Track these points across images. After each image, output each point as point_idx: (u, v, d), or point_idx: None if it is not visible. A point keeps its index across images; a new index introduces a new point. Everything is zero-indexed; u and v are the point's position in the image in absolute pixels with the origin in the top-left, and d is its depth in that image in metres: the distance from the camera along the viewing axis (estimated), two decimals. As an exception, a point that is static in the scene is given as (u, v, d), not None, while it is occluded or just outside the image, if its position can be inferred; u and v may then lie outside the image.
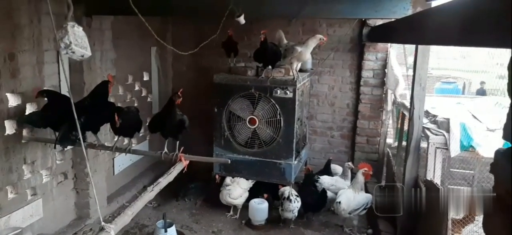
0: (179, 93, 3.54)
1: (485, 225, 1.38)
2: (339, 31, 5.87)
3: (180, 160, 3.68)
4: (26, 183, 3.85)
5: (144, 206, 5.18)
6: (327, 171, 5.64)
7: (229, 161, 3.99)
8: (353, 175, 5.16)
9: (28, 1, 3.65)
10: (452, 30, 2.06)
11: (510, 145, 1.26)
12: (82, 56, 1.83)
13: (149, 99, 6.07)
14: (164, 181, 3.39)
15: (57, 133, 3.75)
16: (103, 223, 2.62)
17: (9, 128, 3.61)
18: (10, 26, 3.45)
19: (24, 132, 3.77)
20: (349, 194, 4.80)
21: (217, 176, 5.22)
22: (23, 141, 3.75)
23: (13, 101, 3.63)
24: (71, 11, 1.83)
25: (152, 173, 5.94)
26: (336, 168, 5.73)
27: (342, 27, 5.82)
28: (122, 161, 5.50)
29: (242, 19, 4.00)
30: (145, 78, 5.96)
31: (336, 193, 4.97)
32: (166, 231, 4.34)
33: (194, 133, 5.76)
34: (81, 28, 1.82)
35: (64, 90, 4.24)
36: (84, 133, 3.87)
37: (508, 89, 1.29)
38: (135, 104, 5.65)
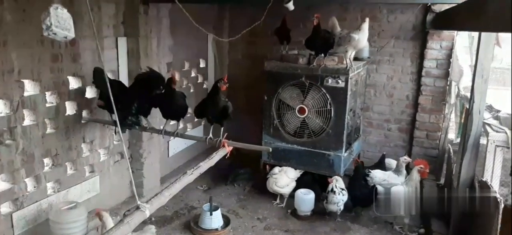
0: (224, 79, 3.59)
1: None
2: (401, 17, 5.53)
3: (223, 146, 3.75)
4: (85, 160, 4.18)
5: (195, 189, 5.48)
6: (380, 165, 5.40)
7: (270, 149, 4.00)
8: (409, 171, 4.88)
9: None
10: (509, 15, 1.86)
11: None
12: (65, 37, 1.91)
13: (205, 86, 6.23)
14: (204, 165, 3.47)
15: (112, 116, 4.03)
16: (138, 203, 2.75)
17: (70, 109, 3.93)
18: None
19: (84, 113, 4.09)
20: (400, 189, 4.55)
21: (267, 166, 5.22)
22: (82, 122, 4.06)
23: (74, 83, 3.94)
24: None
25: (205, 158, 6.06)
26: (391, 162, 5.46)
27: (405, 13, 5.47)
28: (177, 144, 5.74)
29: (291, 5, 3.90)
30: (202, 65, 6.13)
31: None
32: (211, 214, 4.48)
33: (248, 120, 5.88)
34: (65, 10, 1.90)
35: (122, 75, 4.52)
36: (137, 117, 4.13)
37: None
38: (191, 90, 5.85)
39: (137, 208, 2.70)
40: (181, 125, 5.59)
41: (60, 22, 1.79)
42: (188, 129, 5.95)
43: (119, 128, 2.75)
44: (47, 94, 3.68)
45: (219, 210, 4.53)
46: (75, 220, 3.59)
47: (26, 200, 3.57)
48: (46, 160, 3.75)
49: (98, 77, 3.87)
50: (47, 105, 3.69)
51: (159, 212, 4.67)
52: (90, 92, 4.15)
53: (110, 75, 4.18)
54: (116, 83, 3.99)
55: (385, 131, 5.95)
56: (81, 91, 4.04)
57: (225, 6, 6.38)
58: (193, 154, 6.17)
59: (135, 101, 3.92)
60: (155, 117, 4.41)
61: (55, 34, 1.79)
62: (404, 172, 5.06)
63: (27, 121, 3.52)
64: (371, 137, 6.02)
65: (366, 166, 5.25)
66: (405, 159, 5.12)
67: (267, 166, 5.20)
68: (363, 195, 4.80)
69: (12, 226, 3.47)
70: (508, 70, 9.33)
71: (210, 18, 6.06)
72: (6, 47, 3.22)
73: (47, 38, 3.44)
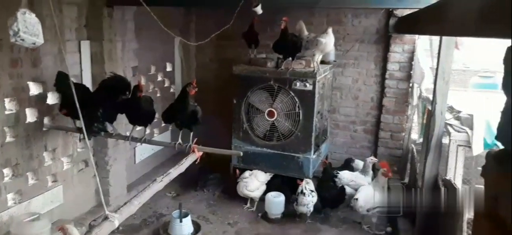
0: (193, 84, 3.54)
1: (474, 230, 1.28)
2: (365, 21, 5.69)
3: (193, 151, 3.70)
4: (47, 170, 4.01)
5: (164, 196, 5.37)
6: (348, 166, 5.52)
7: (241, 154, 3.98)
8: (377, 171, 5.01)
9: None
10: (470, 20, 1.93)
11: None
12: (34, 43, 1.83)
13: (172, 90, 6.14)
14: (174, 172, 3.42)
15: (76, 122, 3.89)
16: (107, 212, 2.67)
17: (31, 116, 3.75)
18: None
19: (45, 120, 3.91)
20: (369, 191, 4.67)
21: (237, 171, 5.19)
22: (44, 129, 3.89)
23: (35, 89, 3.77)
24: None
25: (173, 164, 5.93)
26: (358, 163, 5.58)
27: (369, 17, 5.62)
28: (144, 150, 5.61)
29: (259, 9, 3.93)
30: (168, 68, 6.03)
31: (356, 189, 4.87)
32: (181, 221, 4.40)
33: (217, 124, 5.82)
34: (33, 15, 1.81)
35: (85, 80, 4.37)
36: (103, 124, 4.00)
37: (502, 85, 1.19)
38: (158, 95, 5.74)
39: (106, 218, 2.62)
40: (148, 131, 5.49)
41: (28, 28, 1.70)
42: (155, 135, 5.83)
43: (85, 135, 2.64)
44: (6, 101, 3.50)
45: (189, 216, 4.46)
46: (38, 232, 3.41)
47: (-16, 213, 3.37)
48: (6, 171, 3.56)
49: (61, 81, 3.72)
50: (6, 112, 3.51)
51: (127, 221, 4.47)
52: (52, 98, 3.98)
53: (73, 80, 4.02)
54: (81, 88, 3.84)
55: (351, 133, 6.08)
56: (42, 97, 3.87)
57: (192, 9, 6.32)
58: (160, 160, 6.04)
59: (100, 107, 3.80)
60: (121, 122, 4.29)
61: (22, 40, 1.70)
62: (371, 172, 5.20)
63: (-16, 130, 3.33)
64: (338, 139, 6.14)
65: (334, 167, 5.34)
66: (371, 159, 5.27)
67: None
68: (332, 196, 4.89)
69: (-31, 241, 3.27)
70: (464, 72, 9.83)
71: (177, 21, 5.97)
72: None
73: (5, 42, 3.30)
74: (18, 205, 3.67)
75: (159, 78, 5.85)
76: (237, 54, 6.05)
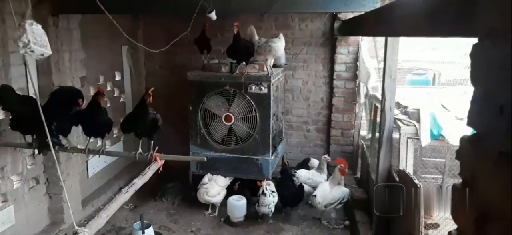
0: (149, 92, 3.49)
1: (453, 212, 1.42)
2: (311, 25, 5.92)
3: (155, 160, 3.64)
4: (-5, 190, 3.73)
5: (121, 208, 5.15)
6: (304, 165, 5.70)
7: (205, 159, 3.97)
8: (332, 168, 5.22)
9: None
10: (416, 21, 2.11)
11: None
12: (42, 54, 1.77)
13: (122, 99, 5.96)
14: (139, 182, 3.35)
15: (26, 138, 3.67)
16: (76, 227, 2.57)
17: (-25, 133, 3.48)
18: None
19: (-9, 137, 3.65)
20: (326, 188, 4.88)
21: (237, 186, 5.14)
22: (-10, 147, 3.62)
23: (-22, 105, 3.50)
24: (29, 9, 1.76)
25: (128, 175, 5.83)
26: (313, 162, 5.79)
27: (314, 21, 5.87)
28: (96, 163, 5.40)
29: (213, 15, 3.98)
30: (117, 77, 5.85)
31: (314, 187, 5.05)
32: (143, 232, 4.29)
33: (170, 132, 5.70)
34: (40, 26, 1.76)
35: (32, 92, 4.12)
36: (58, 137, 3.80)
37: (470, 77, 1.34)
38: (108, 105, 5.54)
39: (75, 233, 2.52)
40: (98, 143, 5.29)
41: (37, 39, 1.63)
42: (107, 146, 5.60)
43: (52, 150, 2.52)
44: None
45: (151, 227, 4.36)
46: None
47: None
48: (-50, 194, 3.27)
49: (6, 96, 3.49)
50: None
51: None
52: (-2, 113, 3.72)
53: (19, 93, 3.78)
54: (29, 101, 3.62)
55: (304, 133, 6.29)
56: (-14, 113, 3.60)
57: (138, 17, 6.18)
58: (114, 172, 5.84)
59: (53, 119, 3.61)
60: (72, 135, 4.09)
61: (32, 51, 1.62)
62: (326, 170, 5.42)
63: None
64: (292, 139, 6.32)
65: (291, 167, 5.49)
66: (325, 157, 5.50)
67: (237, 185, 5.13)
68: (291, 195, 5.02)
69: None
70: (400, 70, 10.50)
71: (123, 29, 5.79)
72: None
73: None
74: (-35, 231, 3.39)
75: (109, 88, 5.66)
76: (188, 60, 6.04)
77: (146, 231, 4.31)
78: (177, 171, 5.28)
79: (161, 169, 3.67)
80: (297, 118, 6.27)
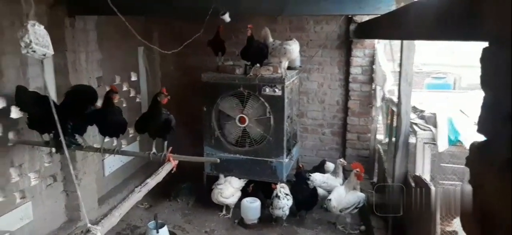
0: (163, 92, 3.52)
1: (462, 218, 1.38)
2: (327, 28, 5.88)
3: (169, 160, 3.67)
4: (14, 186, 3.83)
5: (136, 207, 5.25)
6: (319, 168, 5.65)
7: (218, 160, 3.97)
8: (348, 172, 5.16)
9: (8, 3, 3.61)
10: (430, 24, 2.07)
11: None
12: (44, 54, 1.81)
13: (138, 100, 6.04)
14: (152, 181, 3.37)
15: (42, 136, 3.75)
16: (89, 225, 2.60)
17: (-6, 131, 3.58)
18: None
19: (10, 135, 3.74)
20: (341, 192, 4.82)
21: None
22: (9, 144, 3.71)
23: (-4, 103, 3.61)
24: (32, 9, 1.80)
25: (143, 174, 5.88)
26: (329, 165, 5.73)
27: (329, 24, 5.82)
28: (113, 162, 5.48)
29: (227, 17, 3.98)
30: (133, 78, 5.93)
31: (329, 191, 5.00)
32: (157, 232, 4.33)
33: (184, 133, 5.79)
34: (42, 27, 1.80)
35: (50, 92, 4.21)
36: (74, 136, 3.87)
37: (480, 82, 1.30)
38: (124, 105, 5.62)
39: (88, 231, 2.55)
40: (115, 142, 5.37)
41: (39, 39, 1.67)
42: (123, 146, 5.69)
43: (64, 147, 2.56)
44: (-33, 116, 3.32)
45: (165, 227, 4.40)
46: (9, 252, 3.26)
47: None
48: (-30, 190, 3.37)
49: (21, 97, 3.58)
50: (-32, 128, 3.33)
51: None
52: (16, 112, 3.81)
53: (36, 92, 3.87)
54: (44, 101, 3.70)
55: (319, 136, 6.24)
56: (5, 112, 3.70)
57: (154, 18, 6.25)
58: (130, 172, 5.91)
59: (70, 119, 3.68)
60: (88, 135, 4.17)
61: (34, 51, 1.66)
62: (341, 174, 5.36)
63: None
64: (307, 142, 6.28)
65: (306, 170, 5.45)
66: (341, 161, 5.43)
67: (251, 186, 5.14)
68: (306, 198, 4.98)
69: None
70: (418, 73, 10.33)
71: (138, 30, 5.87)
72: None
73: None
74: (-15, 226, 3.49)
75: (125, 88, 5.74)
76: (202, 62, 6.05)
77: (160, 230, 4.36)
78: (191, 172, 5.32)
79: (174, 169, 3.69)
80: (312, 121, 6.22)
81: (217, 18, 4.06)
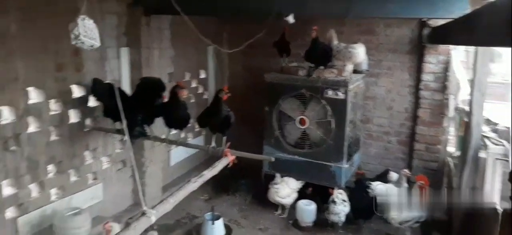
0: (224, 90, 3.65)
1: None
2: (398, 31, 5.63)
3: (226, 155, 3.79)
4: (88, 168, 4.22)
5: (196, 198, 5.50)
6: (382, 178, 5.43)
7: (273, 159, 4.03)
8: (412, 184, 4.91)
9: (91, 1, 3.97)
10: (501, 29, 1.91)
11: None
12: (92, 46, 2.00)
13: (205, 96, 6.30)
14: (208, 174, 3.50)
15: (116, 124, 4.07)
16: (145, 208, 2.80)
17: (74, 117, 3.98)
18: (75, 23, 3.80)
19: (87, 121, 4.13)
20: (402, 203, 4.60)
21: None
22: (85, 130, 4.10)
23: (77, 92, 3.99)
24: (84, 6, 1.99)
25: (206, 167, 6.08)
26: (392, 175, 5.48)
27: (401, 27, 5.57)
28: (178, 154, 5.77)
29: (291, 18, 3.98)
30: (202, 76, 6.20)
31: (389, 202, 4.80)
32: (213, 223, 4.50)
33: (247, 131, 5.91)
34: (92, 21, 1.99)
35: (124, 85, 4.57)
36: (143, 127, 4.17)
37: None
38: (192, 100, 5.90)
39: (143, 213, 2.75)
40: (182, 135, 5.67)
41: (88, 32, 1.87)
42: (189, 139, 5.99)
43: (127, 138, 2.78)
44: (52, 102, 3.73)
45: (221, 219, 4.56)
46: (79, 226, 3.61)
47: (30, 205, 3.60)
48: (50, 167, 3.78)
49: (97, 88, 3.93)
50: (51, 113, 3.74)
51: (162, 221, 4.68)
52: (93, 101, 4.19)
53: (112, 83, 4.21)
54: (119, 93, 4.01)
55: (385, 144, 6.00)
56: (84, 100, 4.09)
57: (225, 19, 6.47)
58: (194, 164, 6.19)
59: (140, 112, 3.96)
60: (156, 126, 4.44)
61: (82, 42, 1.87)
62: (405, 185, 5.09)
63: (32, 128, 3.56)
64: (371, 149, 6.07)
65: (367, 178, 5.28)
66: (405, 172, 5.16)
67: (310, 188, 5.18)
68: (364, 207, 4.83)
69: (17, 231, 3.50)
70: (504, 85, 9.45)
71: (210, 30, 6.13)
72: (11, 56, 3.29)
73: (51, 48, 3.54)
74: (61, 200, 3.89)
75: (194, 85, 6.03)
76: (267, 63, 6.11)
77: (216, 222, 4.52)
78: (250, 169, 5.42)
79: (231, 164, 3.80)
80: (378, 127, 6.00)
81: (283, 20, 4.10)
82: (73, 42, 1.91)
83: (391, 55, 5.70)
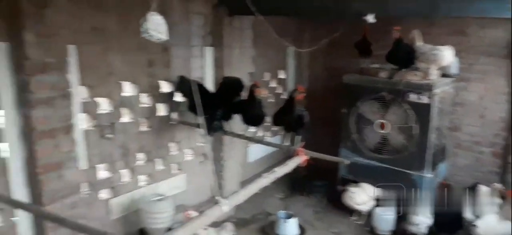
0: (299, 90, 3.69)
1: None
2: (492, 32, 5.12)
3: (298, 154, 3.83)
4: (173, 158, 4.56)
5: (272, 196, 5.62)
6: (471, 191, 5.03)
7: (346, 162, 3.98)
8: (505, 199, 4.48)
9: (179, 2, 4.28)
10: None
11: None
12: (159, 39, 2.18)
13: (284, 96, 6.37)
14: (279, 171, 3.56)
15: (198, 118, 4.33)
16: (218, 197, 2.95)
17: (162, 110, 4.32)
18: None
19: (173, 115, 4.46)
20: (491, 220, 4.24)
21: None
22: (171, 123, 4.43)
23: (165, 87, 4.33)
24: (154, 3, 2.16)
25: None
26: (482, 189, 5.04)
27: (496, 28, 5.07)
28: (256, 151, 5.94)
29: (370, 18, 3.88)
30: (281, 76, 6.31)
31: (477, 216, 4.44)
32: (286, 221, 4.57)
33: (325, 133, 5.87)
34: (160, 17, 2.16)
35: (207, 82, 4.84)
36: (221, 122, 4.39)
37: None
38: (271, 100, 6.02)
39: (216, 202, 2.90)
40: (260, 133, 5.82)
41: (156, 27, 2.07)
42: (267, 138, 6.12)
43: (205, 131, 2.94)
44: (143, 95, 4.10)
45: (295, 218, 4.61)
46: (163, 211, 3.92)
47: (121, 189, 4.01)
48: (140, 155, 4.16)
49: (183, 84, 4.22)
50: (142, 105, 4.11)
51: (238, 214, 4.96)
52: (179, 96, 4.50)
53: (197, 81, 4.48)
54: (201, 89, 4.28)
55: (476, 154, 5.52)
56: (171, 95, 4.40)
57: (305, 19, 6.49)
58: (272, 162, 6.27)
59: (220, 107, 4.18)
60: (235, 123, 4.63)
61: (150, 36, 2.08)
62: (496, 201, 4.66)
63: (125, 119, 3.95)
64: (460, 160, 5.62)
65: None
66: (496, 186, 4.72)
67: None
68: (447, 219, 4.53)
69: (109, 211, 3.93)
70: None
71: (291, 30, 6.21)
72: (108, 52, 3.69)
73: (143, 45, 3.89)
74: (148, 186, 4.27)
75: (273, 85, 6.16)
76: (349, 64, 5.98)
77: (289, 221, 4.59)
78: (328, 172, 5.38)
79: (303, 164, 3.82)
80: (468, 136, 5.55)
81: (363, 20, 4.00)
82: (143, 35, 2.13)
83: (485, 58, 5.24)
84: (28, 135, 3.10)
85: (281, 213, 4.73)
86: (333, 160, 4.30)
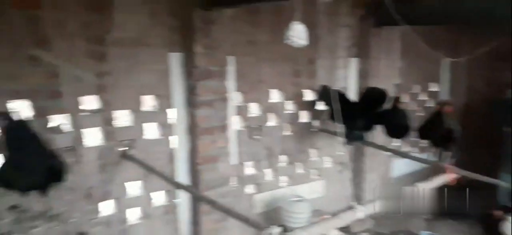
0: (448, 102, 3.46)
1: None
2: None
3: (446, 171, 3.58)
4: (312, 164, 4.75)
5: (417, 215, 5.23)
6: None
7: (508, 186, 3.53)
8: None
9: (326, 15, 4.46)
10: None
11: None
12: (299, 44, 2.33)
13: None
14: (421, 185, 3.41)
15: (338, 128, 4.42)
16: (354, 203, 3.01)
17: (304, 117, 4.57)
18: (313, 36, 4.35)
19: (315, 122, 4.65)
20: None
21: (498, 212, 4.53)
22: (312, 130, 4.63)
23: (309, 96, 4.56)
24: (298, 15, 2.34)
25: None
26: None
27: None
28: (402, 166, 5.67)
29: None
30: (433, 88, 5.91)
31: None
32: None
33: (480, 152, 5.26)
34: (301, 25, 2.32)
35: (351, 93, 4.89)
36: (361, 132, 4.39)
37: None
38: (420, 114, 5.69)
39: (351, 207, 2.97)
40: (407, 149, 5.54)
41: (297, 33, 2.29)
42: (416, 154, 5.77)
43: (343, 139, 3.03)
44: (289, 103, 4.40)
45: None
46: (300, 212, 4.14)
47: (264, 186, 4.37)
48: (282, 157, 4.47)
49: (325, 93, 4.36)
50: (286, 111, 4.41)
51: (376, 228, 4.87)
52: (321, 105, 4.67)
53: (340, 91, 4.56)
54: (342, 99, 4.35)
55: None
56: (313, 104, 4.61)
57: (461, 29, 5.92)
58: (417, 180, 5.93)
59: (361, 117, 4.19)
60: (379, 136, 4.56)
61: (292, 42, 2.31)
62: None
63: (272, 123, 4.31)
64: None
65: None
66: None
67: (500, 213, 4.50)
68: None
69: (252, 205, 4.32)
70: None
71: (445, 40, 5.75)
72: (260, 62, 4.09)
73: (291, 56, 4.18)
74: (288, 187, 4.54)
75: (422, 97, 5.82)
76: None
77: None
78: (486, 196, 4.79)
79: (452, 182, 3.57)
80: None
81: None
82: (286, 41, 2.36)
83: None
84: (192, 130, 3.66)
85: (425, 233, 4.43)
86: (491, 182, 3.88)
